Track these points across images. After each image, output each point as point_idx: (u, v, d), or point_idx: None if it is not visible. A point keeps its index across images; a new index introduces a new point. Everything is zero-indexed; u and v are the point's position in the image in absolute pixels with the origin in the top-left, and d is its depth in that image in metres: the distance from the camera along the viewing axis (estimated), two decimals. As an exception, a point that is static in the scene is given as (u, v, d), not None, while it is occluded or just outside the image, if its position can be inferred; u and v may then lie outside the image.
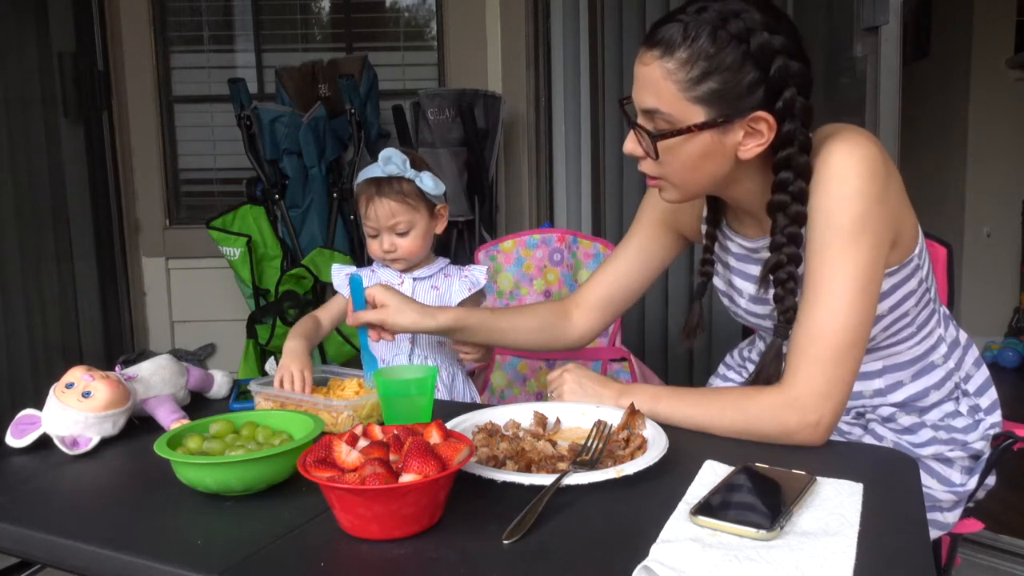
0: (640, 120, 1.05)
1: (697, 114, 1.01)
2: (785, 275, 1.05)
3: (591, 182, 3.04)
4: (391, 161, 1.40)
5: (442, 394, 1.48)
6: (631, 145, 1.08)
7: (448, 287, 1.49)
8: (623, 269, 1.36)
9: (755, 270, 1.19)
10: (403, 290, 1.45)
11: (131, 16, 3.14)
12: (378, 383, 1.10)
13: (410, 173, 1.41)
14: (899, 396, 1.18)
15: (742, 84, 0.99)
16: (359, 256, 2.89)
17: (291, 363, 1.24)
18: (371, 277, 1.50)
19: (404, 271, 1.49)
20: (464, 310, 1.37)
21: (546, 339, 1.40)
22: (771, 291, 1.09)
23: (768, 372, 1.07)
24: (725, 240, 1.24)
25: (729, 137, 1.02)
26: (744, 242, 1.20)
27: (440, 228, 1.49)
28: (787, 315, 1.06)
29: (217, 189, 3.36)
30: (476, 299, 1.51)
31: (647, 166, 1.09)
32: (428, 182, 1.42)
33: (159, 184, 3.24)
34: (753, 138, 1.03)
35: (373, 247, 1.46)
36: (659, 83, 1.01)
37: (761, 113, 1.00)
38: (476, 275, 1.50)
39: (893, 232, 1.05)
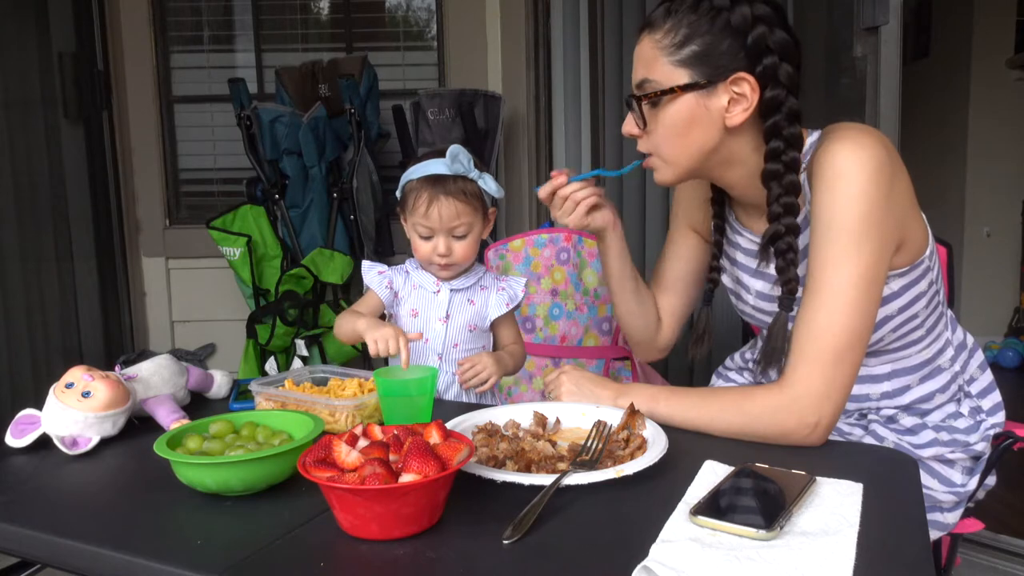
0: (635, 91, 1.11)
1: (681, 76, 1.06)
2: (784, 245, 1.06)
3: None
4: (458, 159, 1.30)
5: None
6: (628, 125, 1.14)
7: (485, 301, 1.40)
8: (679, 264, 1.38)
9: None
10: (439, 300, 1.38)
11: (131, 16, 3.14)
12: (378, 383, 1.10)
13: (474, 173, 1.33)
14: (906, 399, 1.18)
15: (723, 47, 1.04)
16: (359, 256, 2.89)
17: (385, 331, 1.23)
18: (405, 278, 1.41)
19: (438, 279, 1.39)
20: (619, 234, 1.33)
21: (648, 322, 1.38)
22: (772, 264, 1.09)
23: (777, 346, 1.07)
24: (733, 235, 1.25)
25: (713, 102, 1.06)
26: (752, 236, 1.20)
27: (486, 234, 1.40)
28: (789, 286, 1.06)
29: (217, 189, 3.36)
30: (511, 313, 1.44)
31: (641, 142, 1.14)
32: (491, 184, 1.34)
33: (159, 184, 3.24)
34: (738, 104, 1.06)
35: (424, 249, 1.34)
36: (648, 53, 1.08)
37: (742, 74, 1.04)
38: (514, 288, 1.42)
39: (899, 233, 1.05)
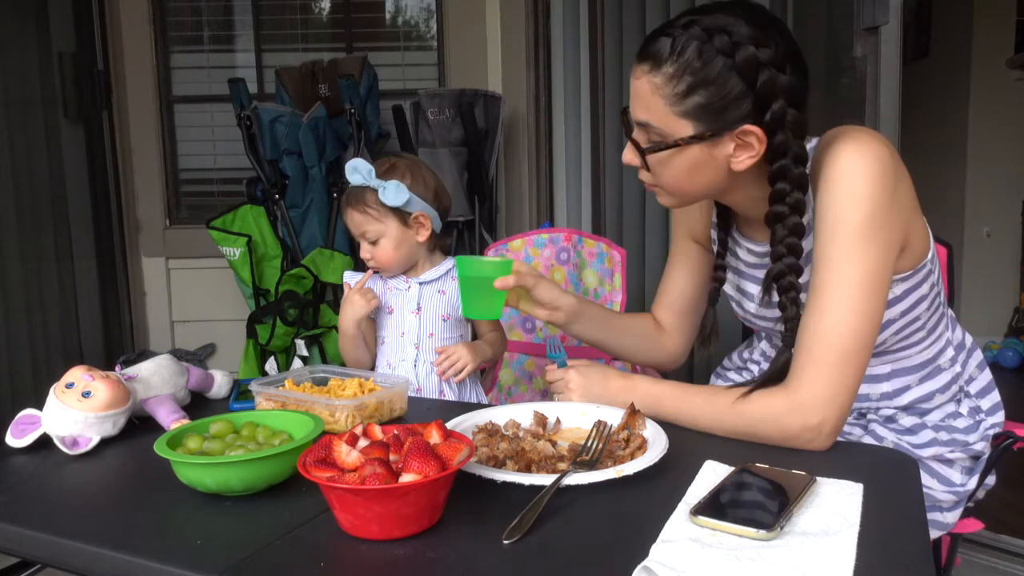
0: (636, 131, 1.08)
1: (685, 128, 1.02)
2: (787, 284, 1.05)
3: (591, 182, 3.04)
4: (356, 171, 1.40)
5: (448, 395, 1.47)
6: (628, 155, 1.10)
7: (455, 290, 1.47)
8: (682, 280, 1.38)
9: (764, 275, 1.18)
10: (409, 295, 1.47)
11: (131, 16, 3.14)
12: (459, 262, 1.22)
13: (374, 183, 1.38)
14: (905, 399, 1.17)
15: (728, 97, 0.99)
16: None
17: (346, 297, 1.44)
18: (380, 282, 1.51)
19: (407, 275, 1.49)
20: (583, 300, 1.37)
21: (648, 347, 1.41)
22: (775, 299, 1.09)
23: (775, 379, 1.05)
24: (735, 246, 1.25)
25: (719, 150, 1.03)
26: (753, 247, 1.20)
27: (422, 237, 1.45)
28: (791, 324, 1.05)
29: (217, 189, 3.36)
30: None
31: (643, 175, 1.12)
32: (389, 194, 1.38)
33: (159, 184, 3.24)
34: (744, 150, 1.03)
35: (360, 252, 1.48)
36: (648, 97, 1.03)
37: (749, 127, 1.00)
38: None
39: (902, 235, 1.05)
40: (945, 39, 4.38)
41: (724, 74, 0.98)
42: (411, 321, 1.46)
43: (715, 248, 1.28)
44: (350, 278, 1.51)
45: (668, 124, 1.02)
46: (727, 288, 1.30)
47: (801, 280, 1.11)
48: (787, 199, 1.03)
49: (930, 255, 1.11)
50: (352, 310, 1.43)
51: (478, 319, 1.44)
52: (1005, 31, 4.15)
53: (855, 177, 1.00)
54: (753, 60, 0.97)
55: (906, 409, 1.18)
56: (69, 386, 1.05)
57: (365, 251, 1.45)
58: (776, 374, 1.05)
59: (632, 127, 1.08)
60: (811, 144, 1.10)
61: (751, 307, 1.24)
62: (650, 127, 1.04)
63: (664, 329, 1.40)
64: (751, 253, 1.21)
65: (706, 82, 0.99)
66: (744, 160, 1.03)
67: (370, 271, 1.48)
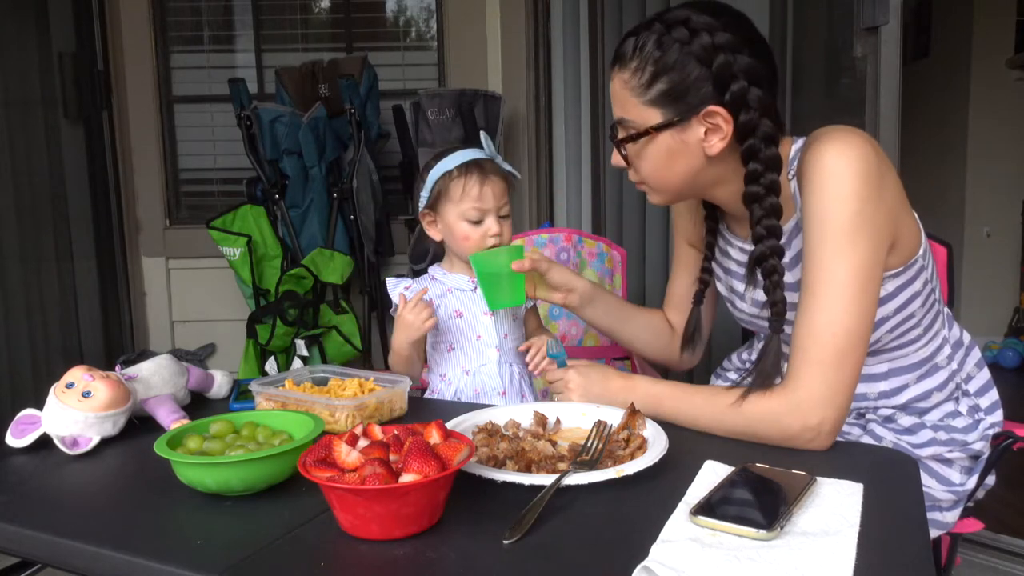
0: (619, 131, 1.13)
1: (654, 116, 1.07)
2: (770, 267, 1.06)
3: (591, 182, 3.04)
4: (489, 143, 1.36)
5: (528, 398, 1.40)
6: (615, 158, 1.16)
7: None
8: (685, 283, 1.40)
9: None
10: (478, 295, 1.36)
11: (131, 16, 3.14)
12: (473, 261, 1.24)
13: (498, 157, 1.37)
14: (903, 398, 1.18)
15: (688, 81, 1.04)
16: (359, 256, 2.89)
17: (403, 320, 1.30)
18: (433, 284, 1.39)
19: (472, 276, 1.37)
20: (597, 286, 1.37)
21: (658, 344, 1.42)
22: (759, 286, 1.09)
23: (766, 369, 1.06)
24: (726, 245, 1.26)
25: (689, 135, 1.07)
26: (744, 245, 1.20)
27: None
28: (777, 308, 1.06)
29: (217, 189, 3.36)
30: (535, 308, 1.46)
31: (630, 173, 1.16)
32: (509, 167, 1.38)
33: (159, 184, 3.24)
34: (714, 133, 1.06)
35: (474, 235, 1.32)
36: (620, 93, 1.10)
37: (713, 107, 1.04)
38: None
39: (891, 231, 1.05)
40: (945, 39, 4.38)
41: (683, 60, 1.04)
42: (486, 323, 1.36)
43: (704, 251, 1.30)
44: (395, 286, 1.37)
45: (639, 115, 1.08)
46: (720, 289, 1.31)
47: (791, 279, 1.12)
48: (761, 179, 1.05)
49: (921, 251, 1.12)
50: (407, 334, 1.29)
51: (506, 308, 1.34)
52: (1005, 31, 4.15)
53: (840, 175, 1.01)
54: (708, 45, 1.03)
55: (904, 408, 1.18)
56: (69, 386, 1.05)
57: (495, 227, 1.31)
58: (767, 363, 1.05)
59: (616, 132, 1.13)
60: (798, 144, 1.11)
61: (743, 306, 1.25)
62: (625, 122, 1.10)
63: (674, 330, 1.42)
64: (742, 251, 1.22)
65: (666, 69, 1.05)
66: (716, 143, 1.07)
67: (425, 287, 1.35)
